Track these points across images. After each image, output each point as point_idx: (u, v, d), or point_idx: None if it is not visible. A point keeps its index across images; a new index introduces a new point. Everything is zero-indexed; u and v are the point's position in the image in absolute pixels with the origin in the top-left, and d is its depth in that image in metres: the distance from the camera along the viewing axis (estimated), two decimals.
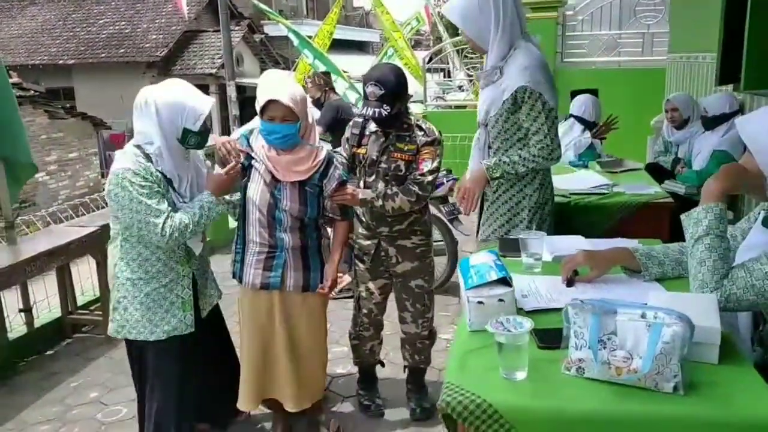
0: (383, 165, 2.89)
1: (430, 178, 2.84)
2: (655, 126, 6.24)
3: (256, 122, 3.45)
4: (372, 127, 2.93)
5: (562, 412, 1.35)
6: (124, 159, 2.51)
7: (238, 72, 15.72)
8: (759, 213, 1.92)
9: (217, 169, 2.74)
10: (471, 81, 11.42)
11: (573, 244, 2.30)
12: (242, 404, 2.86)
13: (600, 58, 8.95)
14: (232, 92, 12.03)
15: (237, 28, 18.26)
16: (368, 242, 3.03)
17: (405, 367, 3.28)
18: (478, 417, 1.37)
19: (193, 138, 2.54)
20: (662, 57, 7.86)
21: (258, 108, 2.59)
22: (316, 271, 2.78)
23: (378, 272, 3.07)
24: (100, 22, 19.35)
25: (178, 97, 2.52)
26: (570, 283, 1.93)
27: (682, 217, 1.79)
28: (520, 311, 1.75)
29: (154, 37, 18.37)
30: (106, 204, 2.81)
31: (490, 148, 2.85)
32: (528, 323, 1.44)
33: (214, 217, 2.61)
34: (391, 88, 2.76)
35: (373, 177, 2.92)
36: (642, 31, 8.82)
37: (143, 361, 2.72)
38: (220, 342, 3.06)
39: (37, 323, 4.39)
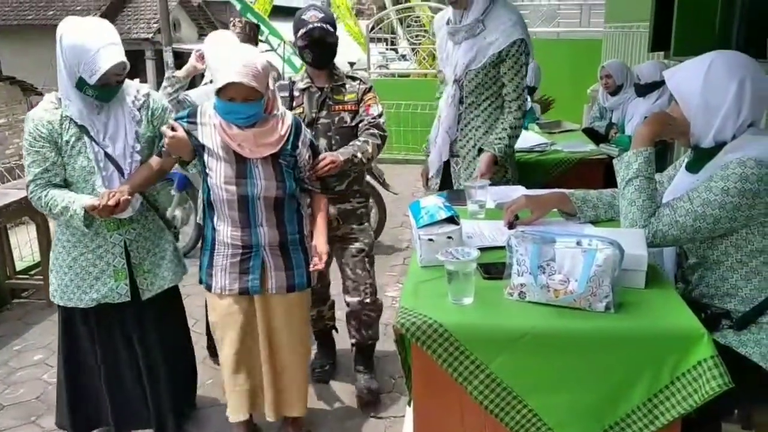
0: (323, 121, 2.77)
1: (382, 120, 2.81)
2: (591, 94, 6.48)
3: (199, 94, 3.09)
4: (301, 85, 2.80)
5: (506, 330, 1.48)
6: (41, 103, 2.36)
7: (175, 37, 15.31)
8: (683, 159, 2.09)
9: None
10: (414, 51, 11.49)
11: (514, 193, 2.43)
12: (232, 415, 2.56)
13: (540, 29, 9.16)
14: (169, 58, 11.73)
15: None
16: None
17: (352, 345, 3.10)
18: (429, 336, 1.48)
19: (89, 90, 2.26)
20: (599, 28, 8.12)
21: (214, 86, 2.21)
22: (300, 267, 2.46)
23: None
24: None
25: (84, 41, 2.23)
26: (511, 225, 2.06)
27: (615, 161, 1.94)
28: None
29: None
30: None
31: (461, 103, 2.91)
32: (475, 252, 1.56)
33: (74, 225, 2.32)
34: (330, 15, 2.73)
35: (312, 135, 2.68)
36: (580, 3, 9.07)
37: (67, 328, 2.56)
38: (168, 337, 2.67)
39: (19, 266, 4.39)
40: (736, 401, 1.98)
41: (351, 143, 2.73)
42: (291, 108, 2.75)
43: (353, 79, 2.84)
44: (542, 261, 1.51)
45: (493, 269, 1.72)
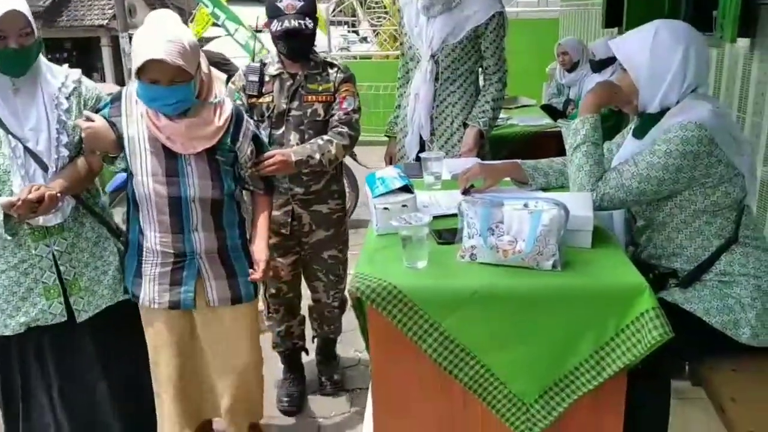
0: (295, 113, 2.51)
1: (356, 116, 2.55)
2: (549, 72, 6.57)
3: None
4: (272, 70, 2.54)
5: (456, 290, 1.54)
6: None
7: (131, 23, 14.90)
8: (630, 127, 2.16)
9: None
10: (375, 32, 11.48)
11: (469, 164, 2.47)
12: None
13: None
14: (125, 45, 11.45)
15: None
16: (281, 211, 2.59)
17: (314, 337, 2.95)
18: (384, 298, 1.53)
19: None
20: (556, 8, 8.24)
21: (134, 67, 1.91)
22: (244, 275, 2.18)
23: (288, 246, 2.67)
24: None
25: None
26: (466, 193, 2.11)
27: (563, 129, 2.00)
28: None
29: None
30: None
31: (437, 80, 2.88)
32: (427, 217, 1.60)
33: None
34: (310, 2, 2.45)
35: (282, 129, 2.51)
36: None
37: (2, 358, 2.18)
38: (115, 369, 2.27)
39: None
40: (683, 357, 2.08)
41: (311, 141, 2.47)
42: (260, 94, 2.51)
43: (331, 66, 2.57)
44: (491, 223, 1.57)
45: (447, 234, 1.77)
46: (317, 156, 2.41)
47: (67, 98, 2.06)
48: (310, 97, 2.51)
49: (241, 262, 2.19)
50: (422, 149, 2.93)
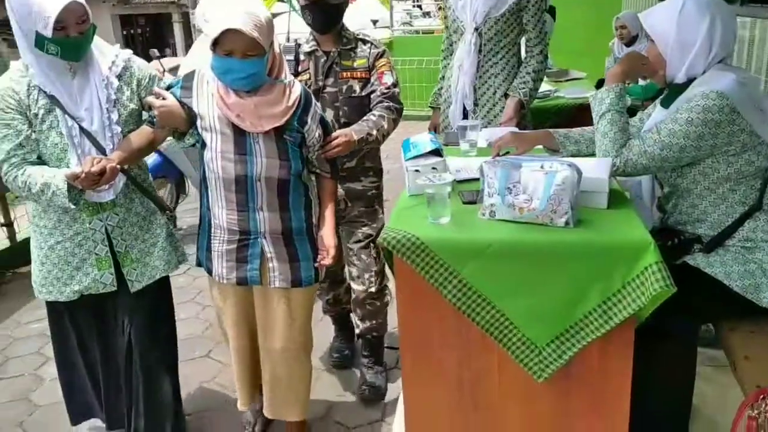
0: (330, 89, 2.53)
1: (397, 90, 2.55)
2: (611, 47, 6.53)
3: (190, 62, 2.76)
4: (306, 48, 2.56)
5: (475, 242, 1.69)
6: (6, 72, 2.10)
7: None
8: (661, 98, 2.23)
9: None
10: (439, 7, 11.48)
11: (504, 133, 2.59)
12: (241, 403, 2.45)
13: None
14: (195, 20, 11.89)
15: None
16: None
17: (357, 336, 2.92)
18: (409, 248, 1.70)
19: (51, 46, 1.96)
20: None
21: (210, 39, 1.96)
22: (307, 259, 2.20)
23: None
24: None
25: None
26: None
27: (590, 98, 2.10)
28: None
29: None
30: None
31: (480, 52, 2.99)
32: (449, 177, 1.76)
33: (58, 203, 2.04)
34: None
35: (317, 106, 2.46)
36: None
37: (55, 322, 2.37)
38: (161, 332, 2.41)
39: (19, 237, 4.58)
40: (704, 319, 2.16)
41: (365, 118, 2.46)
42: (296, 74, 2.53)
43: (364, 42, 2.57)
44: (509, 183, 1.70)
45: (470, 195, 1.92)
46: (374, 132, 2.42)
47: (119, 77, 2.14)
48: (345, 73, 2.53)
49: (305, 245, 2.19)
50: (465, 119, 3.04)
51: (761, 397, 1.59)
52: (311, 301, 2.33)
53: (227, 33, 1.88)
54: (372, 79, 2.54)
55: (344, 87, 2.53)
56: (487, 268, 1.67)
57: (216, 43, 1.93)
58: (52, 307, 2.32)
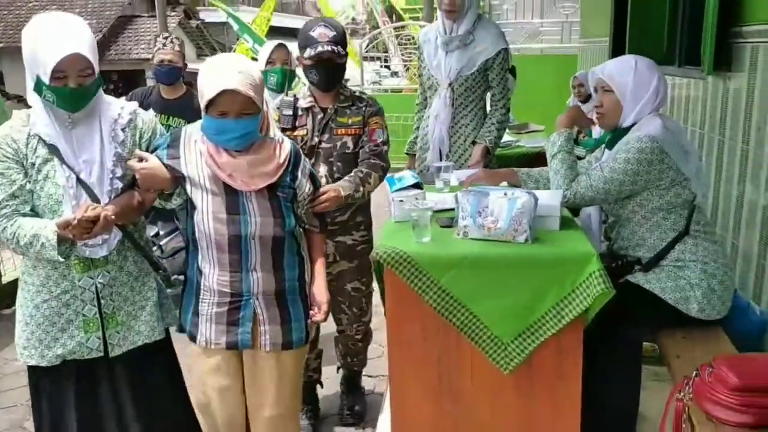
0: (325, 145, 2.60)
1: (386, 148, 2.64)
2: (569, 104, 7.08)
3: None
4: (303, 104, 2.63)
5: (452, 255, 2.05)
6: (8, 120, 2.03)
7: None
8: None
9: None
10: (406, 68, 12.11)
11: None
12: None
13: (524, 45, 9.77)
14: None
15: (173, 13, 18.38)
16: None
17: (338, 368, 3.06)
18: (397, 261, 2.04)
19: (48, 93, 1.89)
20: (577, 44, 8.75)
21: (203, 102, 1.93)
22: (299, 320, 2.14)
23: None
24: (29, 4, 18.96)
25: (37, 34, 1.90)
26: None
27: (544, 142, 2.52)
28: None
29: (87, 21, 17.67)
30: None
31: (452, 105, 3.38)
32: (431, 203, 2.13)
33: (47, 256, 1.91)
34: (341, 32, 2.55)
35: (313, 161, 2.56)
36: (561, 21, 9.70)
37: (35, 389, 2.14)
38: (150, 406, 2.16)
39: (5, 279, 4.74)
40: (646, 327, 2.52)
41: (353, 173, 2.52)
42: (294, 128, 2.59)
43: (360, 99, 2.67)
44: (479, 208, 2.07)
45: (446, 221, 2.28)
46: (361, 189, 2.48)
47: (123, 130, 2.06)
48: (340, 130, 2.61)
49: (297, 306, 2.14)
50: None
51: (686, 383, 1.94)
52: (302, 361, 2.28)
53: (223, 94, 1.87)
54: (363, 135, 2.63)
55: (338, 143, 2.61)
56: (462, 277, 2.02)
57: (209, 105, 1.91)
58: (32, 372, 2.11)
